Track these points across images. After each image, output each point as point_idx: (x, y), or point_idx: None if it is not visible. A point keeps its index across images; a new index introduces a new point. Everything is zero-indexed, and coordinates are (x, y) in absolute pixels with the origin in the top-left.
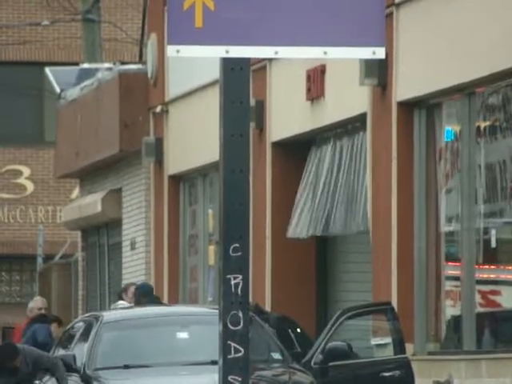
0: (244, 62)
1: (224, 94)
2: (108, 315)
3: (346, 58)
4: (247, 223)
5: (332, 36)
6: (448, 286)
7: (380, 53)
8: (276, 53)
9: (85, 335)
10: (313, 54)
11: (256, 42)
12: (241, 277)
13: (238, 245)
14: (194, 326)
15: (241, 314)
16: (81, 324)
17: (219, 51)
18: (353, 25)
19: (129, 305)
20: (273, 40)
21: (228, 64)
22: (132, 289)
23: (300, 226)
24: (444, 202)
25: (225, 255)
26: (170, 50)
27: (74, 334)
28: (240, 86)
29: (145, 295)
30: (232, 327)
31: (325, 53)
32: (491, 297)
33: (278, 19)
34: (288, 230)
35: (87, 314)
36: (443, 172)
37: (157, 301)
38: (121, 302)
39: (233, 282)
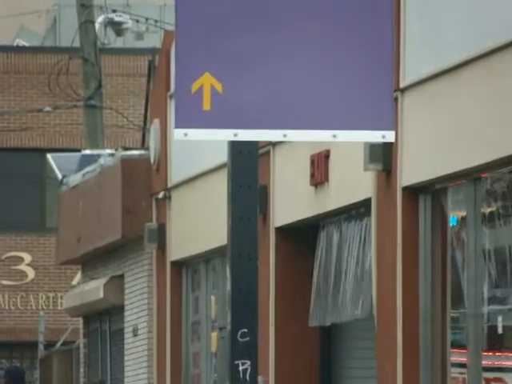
0: (252, 146)
1: (232, 177)
2: None
3: (354, 142)
4: (255, 308)
5: (341, 119)
6: (454, 372)
7: (390, 136)
8: (285, 136)
9: None
10: (322, 136)
11: (264, 125)
12: (249, 362)
13: (246, 330)
14: None
15: None
16: None
17: (228, 134)
18: (362, 108)
19: None
20: (281, 123)
21: (236, 147)
22: None
23: (316, 314)
24: (450, 288)
25: (232, 340)
26: (178, 134)
27: None
28: (248, 169)
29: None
30: None
31: (334, 136)
32: None
33: (286, 102)
34: (309, 319)
35: None
36: (449, 258)
37: None
38: None
39: (241, 368)
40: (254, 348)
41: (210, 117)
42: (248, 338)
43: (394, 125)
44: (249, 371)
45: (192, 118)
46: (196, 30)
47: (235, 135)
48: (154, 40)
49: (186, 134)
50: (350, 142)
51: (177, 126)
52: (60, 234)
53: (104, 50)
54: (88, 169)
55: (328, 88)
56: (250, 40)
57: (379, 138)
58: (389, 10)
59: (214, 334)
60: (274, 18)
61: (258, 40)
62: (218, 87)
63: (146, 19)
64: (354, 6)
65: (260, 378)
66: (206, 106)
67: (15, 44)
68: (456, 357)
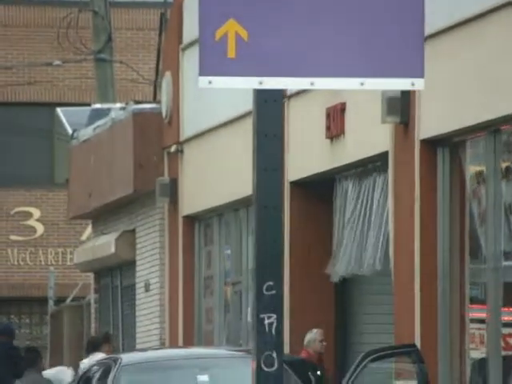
0: (278, 94)
1: (257, 126)
2: (127, 358)
3: (373, 93)
4: (281, 261)
5: (369, 67)
6: (473, 328)
7: (419, 84)
8: (312, 84)
9: (103, 378)
10: (349, 84)
11: (291, 72)
12: (275, 316)
13: (271, 283)
14: (214, 368)
15: (275, 355)
16: (98, 367)
17: (252, 82)
18: (391, 55)
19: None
20: (308, 71)
21: (261, 96)
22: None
23: (336, 267)
24: (468, 242)
25: (258, 294)
26: (202, 81)
27: (92, 377)
28: (274, 118)
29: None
30: (266, 369)
31: (361, 84)
32: None
33: (313, 49)
34: (328, 269)
35: (105, 357)
36: (468, 212)
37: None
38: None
39: (266, 322)
40: (279, 301)
41: (234, 64)
42: (274, 291)
43: (423, 72)
44: (274, 325)
45: (216, 65)
46: None
47: (260, 83)
48: None
49: (210, 82)
50: (376, 90)
51: (201, 74)
52: (70, 189)
53: (113, 4)
54: (99, 123)
55: (355, 34)
56: None
57: (408, 86)
58: None
59: (228, 289)
60: None
61: None
62: (243, 34)
63: None
64: None
65: None
66: (231, 53)
67: None
68: (474, 312)
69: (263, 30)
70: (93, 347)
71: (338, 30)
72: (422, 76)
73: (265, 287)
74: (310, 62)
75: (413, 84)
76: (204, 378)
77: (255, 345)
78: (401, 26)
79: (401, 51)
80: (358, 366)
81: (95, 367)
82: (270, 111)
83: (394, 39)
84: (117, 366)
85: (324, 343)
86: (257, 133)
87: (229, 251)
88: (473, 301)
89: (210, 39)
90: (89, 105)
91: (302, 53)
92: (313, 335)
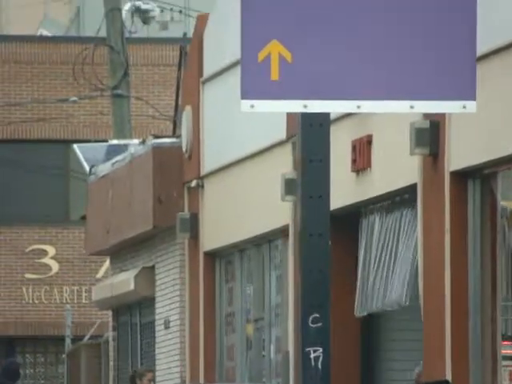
0: (324, 118)
1: (302, 152)
2: None
3: (433, 113)
4: (328, 291)
5: (419, 89)
6: (505, 365)
7: (471, 107)
8: (358, 107)
9: None
10: (398, 108)
11: (336, 95)
12: (321, 350)
13: (317, 315)
14: None
15: None
16: None
17: (297, 106)
18: (441, 76)
19: None
20: (355, 93)
21: (306, 120)
22: (149, 375)
23: (362, 303)
24: (500, 276)
25: (303, 326)
26: (244, 105)
27: None
28: (319, 143)
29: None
30: None
31: (411, 107)
32: None
33: (360, 70)
34: (355, 308)
35: None
36: (499, 246)
37: None
38: None
39: (312, 356)
40: (326, 334)
41: (278, 87)
42: (320, 324)
43: (475, 94)
44: (321, 359)
45: (259, 88)
46: None
47: (305, 107)
48: (178, 30)
49: (252, 106)
50: (428, 112)
51: (243, 97)
52: (88, 225)
53: (128, 40)
54: (117, 158)
55: (404, 56)
56: (322, 4)
57: (459, 109)
58: None
59: (250, 326)
60: None
61: (331, 4)
62: (287, 55)
63: (171, 8)
64: None
65: None
66: (274, 75)
67: (39, 34)
68: (507, 349)
69: (307, 50)
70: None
71: (386, 50)
72: (473, 98)
73: (310, 319)
74: (356, 84)
75: (464, 107)
76: None
77: (301, 380)
78: (452, 47)
79: (452, 72)
80: None
81: None
82: (315, 136)
83: (445, 60)
84: None
85: None
86: (302, 158)
87: (251, 288)
88: (505, 337)
89: (252, 61)
90: (104, 141)
91: (348, 74)
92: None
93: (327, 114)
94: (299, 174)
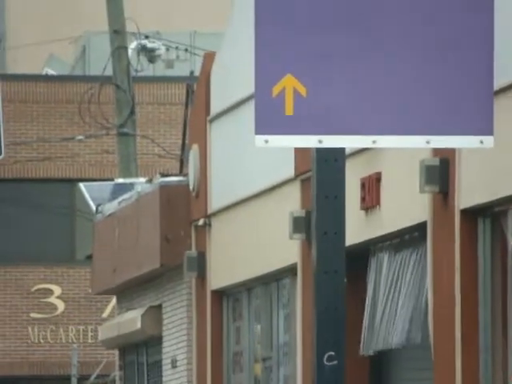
0: (339, 153)
1: (317, 187)
2: None
3: (443, 149)
4: (343, 328)
5: (435, 124)
6: None
7: (488, 142)
8: (374, 142)
9: None
10: (414, 143)
11: (352, 130)
12: None
13: (333, 353)
14: None
15: None
16: None
17: (312, 141)
18: (458, 111)
19: None
20: (370, 128)
21: (321, 155)
22: None
23: (369, 342)
24: (511, 314)
25: (318, 364)
26: (258, 141)
27: None
28: (335, 179)
29: None
30: None
31: (427, 142)
32: None
33: (375, 105)
34: (361, 347)
35: None
36: (510, 284)
37: None
38: None
39: None
40: (341, 373)
41: (292, 122)
42: (335, 362)
43: (492, 129)
44: None
45: (273, 123)
46: (276, 29)
47: (320, 142)
48: (184, 68)
49: (266, 141)
50: (444, 147)
51: (257, 133)
52: (94, 264)
53: (134, 78)
54: (124, 196)
55: (420, 91)
56: (337, 40)
57: (476, 144)
58: (490, 8)
59: (258, 365)
60: (362, 17)
61: (345, 40)
62: (302, 90)
63: (176, 47)
64: (451, 5)
65: None
66: (289, 110)
67: (44, 73)
68: None
69: (322, 85)
70: None
71: (402, 85)
72: (491, 133)
73: (325, 357)
74: (371, 119)
75: (481, 142)
76: None
77: None
78: (469, 82)
79: (469, 107)
80: None
81: None
82: (330, 171)
83: (461, 94)
84: None
85: None
86: (317, 195)
87: (258, 327)
88: None
89: (266, 96)
90: (109, 180)
91: (363, 109)
92: None
93: (342, 149)
94: (314, 210)
